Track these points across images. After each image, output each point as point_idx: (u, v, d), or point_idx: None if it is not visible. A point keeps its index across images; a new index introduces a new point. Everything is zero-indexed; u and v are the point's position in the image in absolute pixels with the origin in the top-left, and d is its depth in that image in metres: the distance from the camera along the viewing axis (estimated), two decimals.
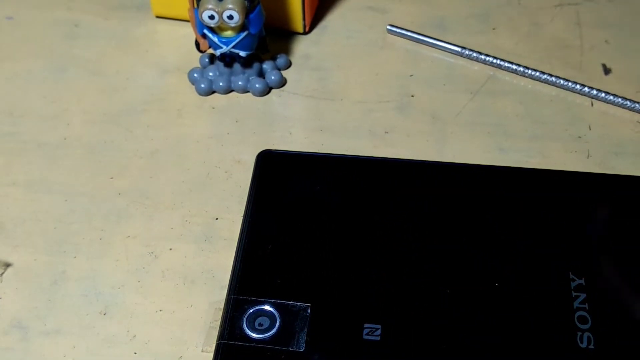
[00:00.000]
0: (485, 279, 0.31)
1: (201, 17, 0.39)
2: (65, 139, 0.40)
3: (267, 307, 0.30)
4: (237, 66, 0.42)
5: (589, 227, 0.33)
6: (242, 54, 0.41)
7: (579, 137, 0.39)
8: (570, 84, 0.41)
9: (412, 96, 0.42)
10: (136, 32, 0.47)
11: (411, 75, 0.43)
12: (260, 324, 0.29)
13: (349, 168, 0.36)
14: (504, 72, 0.43)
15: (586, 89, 0.41)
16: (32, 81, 0.43)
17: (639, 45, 0.45)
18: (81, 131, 0.40)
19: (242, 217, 0.34)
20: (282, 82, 0.43)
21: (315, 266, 0.31)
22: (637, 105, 0.40)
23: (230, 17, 0.39)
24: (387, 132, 0.40)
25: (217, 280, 0.33)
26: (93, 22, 0.47)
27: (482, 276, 0.31)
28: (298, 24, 0.45)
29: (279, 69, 0.43)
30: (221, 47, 0.41)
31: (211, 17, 0.39)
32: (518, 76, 0.43)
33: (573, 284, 0.30)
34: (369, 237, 0.32)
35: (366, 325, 0.29)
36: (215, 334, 0.30)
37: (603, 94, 0.41)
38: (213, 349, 0.29)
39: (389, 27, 0.46)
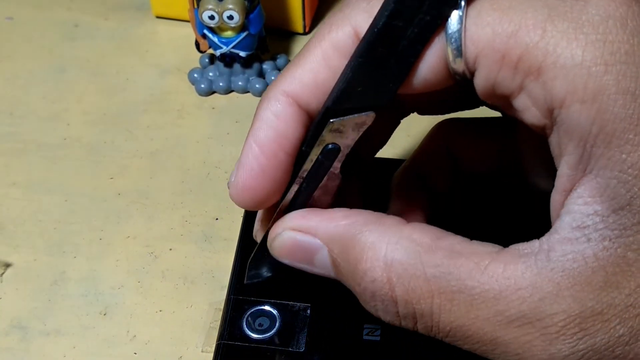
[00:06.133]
0: None
1: (201, 17, 0.39)
2: (65, 139, 0.40)
3: (267, 308, 0.30)
4: (237, 66, 0.42)
5: None
6: (242, 54, 0.41)
7: None
8: None
9: None
10: (136, 32, 0.47)
11: None
12: (260, 324, 0.29)
13: None
14: None
15: None
16: (32, 81, 0.43)
17: None
18: (81, 131, 0.40)
19: (242, 217, 0.34)
20: None
21: None
22: None
23: (231, 18, 0.39)
24: None
25: (217, 280, 0.33)
26: (93, 22, 0.47)
27: None
28: (298, 24, 0.45)
29: (279, 69, 0.43)
30: (221, 48, 0.41)
31: (211, 18, 0.39)
32: None
33: None
34: None
35: (366, 325, 0.29)
36: (215, 334, 0.30)
37: None
38: (213, 349, 0.29)
39: None
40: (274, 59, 0.44)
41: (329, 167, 0.24)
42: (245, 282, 0.28)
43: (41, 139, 0.40)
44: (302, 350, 0.28)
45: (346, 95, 0.22)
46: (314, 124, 0.23)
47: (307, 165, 0.24)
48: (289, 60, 0.44)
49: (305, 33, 0.46)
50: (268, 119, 0.23)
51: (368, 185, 0.29)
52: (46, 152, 0.39)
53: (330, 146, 0.23)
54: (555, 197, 0.21)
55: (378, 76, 0.21)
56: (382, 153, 0.39)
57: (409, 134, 0.40)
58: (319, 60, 0.22)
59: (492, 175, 0.29)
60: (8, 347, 0.31)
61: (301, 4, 0.44)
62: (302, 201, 0.25)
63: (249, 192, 0.24)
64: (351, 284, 0.23)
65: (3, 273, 0.34)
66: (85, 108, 0.42)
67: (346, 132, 0.23)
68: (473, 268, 0.20)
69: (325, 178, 0.24)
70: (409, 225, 0.22)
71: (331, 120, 0.22)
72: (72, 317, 0.32)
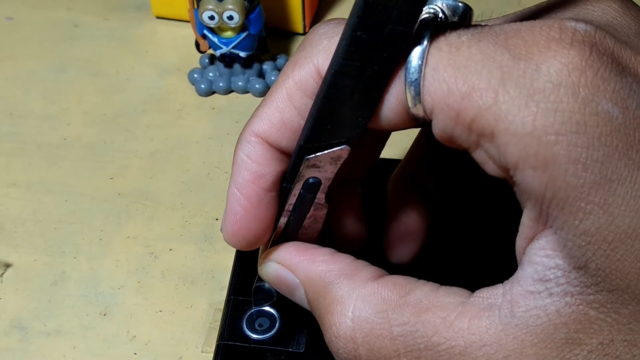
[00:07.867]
0: (485, 277, 0.31)
1: (201, 18, 0.39)
2: (65, 139, 0.40)
3: (267, 308, 0.30)
4: (237, 67, 0.42)
5: None
6: (242, 54, 0.41)
7: None
8: None
9: None
10: (136, 32, 0.47)
11: None
12: (260, 325, 0.29)
13: None
14: None
15: None
16: (32, 81, 0.43)
17: None
18: (81, 131, 0.40)
19: None
20: None
21: None
22: None
23: (230, 18, 0.39)
24: None
25: (217, 280, 0.33)
26: (93, 22, 0.47)
27: (482, 274, 0.31)
28: (298, 24, 0.45)
29: (279, 70, 0.43)
30: (221, 48, 0.41)
31: (211, 18, 0.39)
32: None
33: None
34: (368, 236, 0.32)
35: None
36: (215, 334, 0.30)
37: None
38: (213, 349, 0.29)
39: None
40: (274, 59, 0.44)
41: (313, 199, 0.24)
42: (253, 306, 0.29)
43: (41, 139, 0.40)
44: (302, 350, 0.28)
45: (316, 134, 0.22)
46: (292, 160, 0.24)
47: (292, 200, 0.24)
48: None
49: (305, 33, 0.46)
50: (242, 161, 0.24)
51: (368, 186, 0.29)
52: (46, 152, 0.39)
53: (310, 180, 0.23)
54: (518, 242, 0.21)
55: (344, 113, 0.21)
56: (382, 153, 0.39)
57: (408, 134, 0.39)
58: (285, 99, 0.23)
59: (481, 174, 0.29)
60: (8, 347, 0.31)
61: (301, 4, 0.44)
62: (292, 231, 0.25)
63: (239, 235, 0.24)
64: (322, 329, 0.23)
65: (3, 273, 0.34)
66: (85, 108, 0.42)
67: (323, 167, 0.23)
68: (439, 324, 0.21)
69: (311, 209, 0.24)
70: (379, 280, 0.22)
71: (306, 157, 0.23)
72: (72, 317, 0.32)
